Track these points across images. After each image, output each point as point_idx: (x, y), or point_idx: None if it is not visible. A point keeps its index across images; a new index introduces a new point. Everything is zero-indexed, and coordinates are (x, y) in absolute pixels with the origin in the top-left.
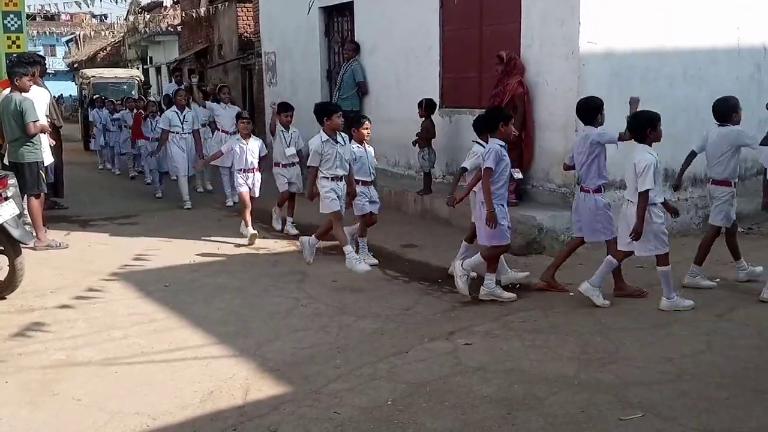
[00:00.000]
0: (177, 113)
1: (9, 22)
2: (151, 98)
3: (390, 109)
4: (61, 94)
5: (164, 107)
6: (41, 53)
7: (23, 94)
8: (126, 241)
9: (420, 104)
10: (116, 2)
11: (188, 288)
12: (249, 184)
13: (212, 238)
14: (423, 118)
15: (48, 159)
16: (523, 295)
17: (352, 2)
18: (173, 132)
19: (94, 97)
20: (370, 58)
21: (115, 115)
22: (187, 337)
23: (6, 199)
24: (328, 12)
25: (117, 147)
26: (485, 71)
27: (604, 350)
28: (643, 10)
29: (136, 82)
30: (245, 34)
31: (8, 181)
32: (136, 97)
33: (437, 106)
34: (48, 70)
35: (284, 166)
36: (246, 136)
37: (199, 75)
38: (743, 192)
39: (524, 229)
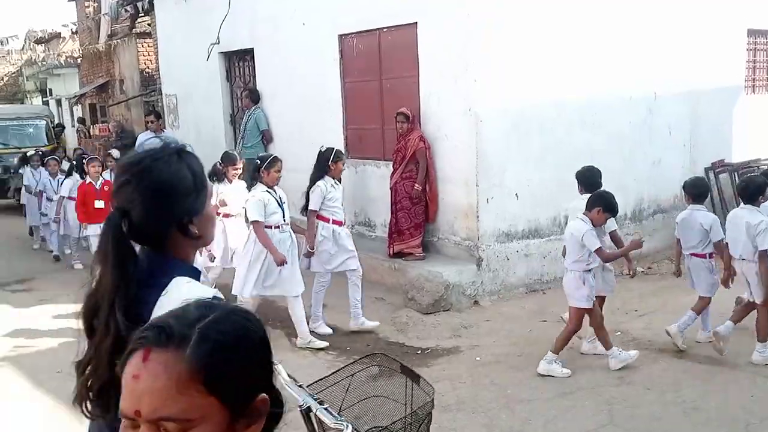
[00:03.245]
0: (270, 192)
1: None
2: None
3: (295, 158)
4: None
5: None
6: None
7: None
8: (19, 313)
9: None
10: (7, 42)
11: None
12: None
13: None
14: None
15: None
16: (430, 364)
17: (253, 49)
18: (271, 226)
19: (28, 154)
20: (273, 106)
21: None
22: None
23: None
24: (229, 57)
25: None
26: (387, 124)
27: (510, 429)
28: (538, 64)
29: (45, 122)
30: (147, 69)
31: None
32: (46, 143)
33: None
34: None
35: None
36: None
37: (100, 110)
38: (642, 231)
39: (431, 287)
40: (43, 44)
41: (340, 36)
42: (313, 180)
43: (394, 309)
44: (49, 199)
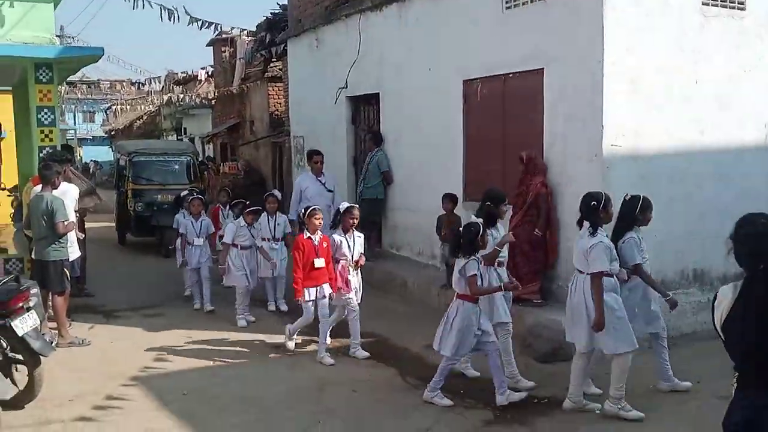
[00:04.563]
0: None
1: (43, 116)
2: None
3: (415, 199)
4: (98, 162)
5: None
6: (81, 121)
7: (53, 192)
8: (149, 336)
9: (445, 198)
10: (151, 82)
11: (206, 397)
12: None
13: (235, 335)
14: (446, 213)
15: (75, 254)
16: (548, 414)
17: (378, 93)
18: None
19: (182, 194)
20: (395, 148)
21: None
22: None
23: (28, 310)
24: (355, 101)
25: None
26: (508, 166)
27: None
28: (668, 112)
29: (191, 159)
30: (276, 112)
31: (30, 292)
32: (191, 179)
33: (460, 199)
34: (87, 136)
35: None
36: None
37: (230, 149)
38: None
39: (550, 335)
40: (180, 86)
41: (465, 81)
42: (622, 231)
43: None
44: (189, 243)
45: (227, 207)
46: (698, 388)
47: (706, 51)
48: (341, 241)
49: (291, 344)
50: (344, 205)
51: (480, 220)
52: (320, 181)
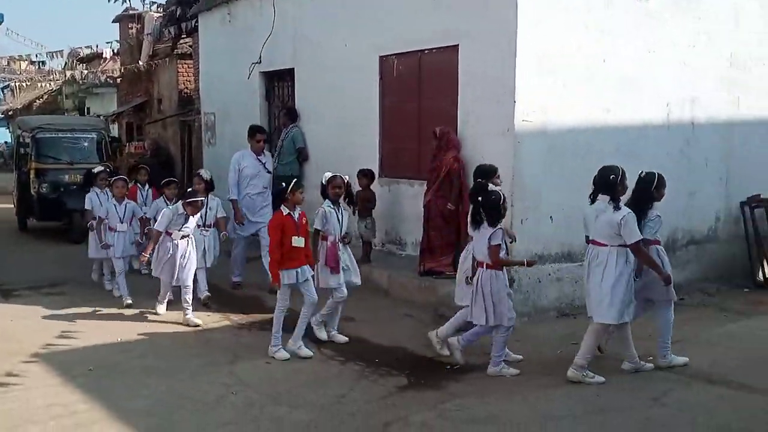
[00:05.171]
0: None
1: None
2: None
3: None
4: (8, 143)
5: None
6: None
7: None
8: (52, 314)
9: (360, 174)
10: (52, 57)
11: (114, 372)
12: None
13: (144, 311)
14: (361, 188)
15: None
16: (459, 379)
17: (293, 69)
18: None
19: (95, 170)
20: (310, 125)
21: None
22: None
23: None
24: (269, 77)
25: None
26: (424, 143)
27: None
28: (575, 89)
29: (102, 135)
30: (185, 90)
31: None
32: (102, 157)
33: (376, 176)
34: None
35: None
36: None
37: (137, 129)
38: (675, 262)
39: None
40: (84, 63)
41: (381, 57)
42: (645, 203)
43: (423, 326)
44: (112, 230)
45: (146, 186)
46: (604, 356)
47: (612, 30)
48: (331, 213)
49: (282, 354)
50: (327, 174)
51: (499, 188)
52: (260, 161)
